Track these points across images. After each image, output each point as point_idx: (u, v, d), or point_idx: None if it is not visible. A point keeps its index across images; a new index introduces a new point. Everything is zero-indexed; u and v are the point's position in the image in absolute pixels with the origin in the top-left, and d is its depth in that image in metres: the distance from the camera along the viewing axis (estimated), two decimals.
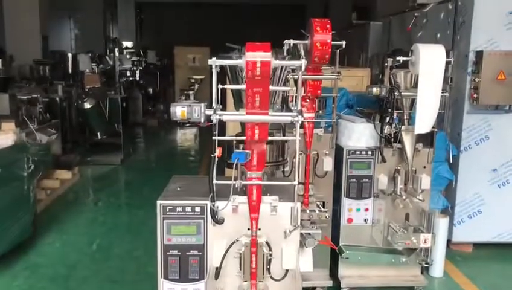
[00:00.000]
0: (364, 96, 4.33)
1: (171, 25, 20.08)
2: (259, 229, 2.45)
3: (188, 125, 9.38)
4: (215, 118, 2.21)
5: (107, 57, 10.12)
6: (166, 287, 2.57)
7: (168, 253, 2.53)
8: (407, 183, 3.89)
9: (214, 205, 2.39)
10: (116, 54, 10.94)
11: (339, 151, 4.01)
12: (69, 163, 7.22)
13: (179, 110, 2.21)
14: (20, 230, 4.58)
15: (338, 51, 3.65)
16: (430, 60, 3.43)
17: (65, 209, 6.17)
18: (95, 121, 8.13)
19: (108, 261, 4.66)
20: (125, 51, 11.63)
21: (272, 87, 2.18)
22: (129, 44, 15.75)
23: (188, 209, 2.50)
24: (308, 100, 3.74)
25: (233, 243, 2.43)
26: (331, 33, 3.33)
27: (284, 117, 2.25)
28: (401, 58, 3.60)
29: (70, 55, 10.51)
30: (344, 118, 4.20)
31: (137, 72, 11.35)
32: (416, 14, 5.84)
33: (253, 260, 2.44)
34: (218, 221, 2.43)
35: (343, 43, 3.51)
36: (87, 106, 7.95)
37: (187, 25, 19.40)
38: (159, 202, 2.50)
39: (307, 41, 3.44)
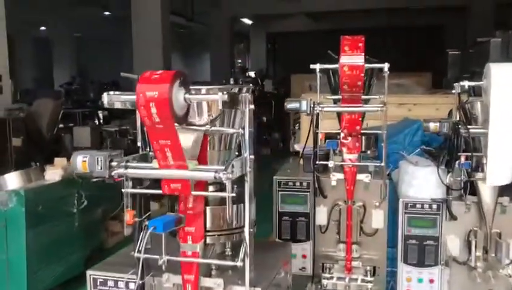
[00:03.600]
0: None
1: (294, 53, 19.96)
2: None
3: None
4: (119, 173, 1.66)
5: None
6: None
7: None
8: (487, 250, 2.85)
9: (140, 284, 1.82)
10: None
11: (395, 202, 3.14)
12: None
13: (79, 162, 1.71)
14: (68, 267, 4.47)
15: (386, 75, 2.85)
16: (506, 84, 2.45)
17: None
18: None
19: None
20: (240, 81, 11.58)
21: None
22: (252, 73, 15.85)
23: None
24: (349, 137, 2.98)
25: None
26: (362, 54, 2.58)
27: (204, 173, 1.61)
28: (466, 84, 2.66)
29: None
30: (406, 160, 3.30)
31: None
32: None
33: None
34: None
35: (386, 65, 2.71)
36: None
37: (310, 52, 19.06)
38: None
39: (336, 65, 2.72)
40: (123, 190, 1.73)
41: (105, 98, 1.59)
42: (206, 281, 1.79)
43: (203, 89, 1.63)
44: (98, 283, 2.00)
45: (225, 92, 1.49)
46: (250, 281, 1.75)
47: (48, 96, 8.12)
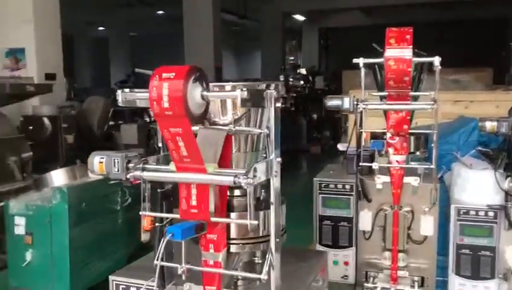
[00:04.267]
0: None
1: (347, 49, 19.49)
2: None
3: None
4: (134, 176, 1.56)
5: None
6: None
7: None
8: None
9: None
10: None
11: (447, 207, 2.89)
12: None
13: (96, 163, 1.63)
14: (112, 264, 4.48)
15: (437, 70, 2.60)
16: None
17: None
18: None
19: None
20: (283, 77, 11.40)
21: None
22: (303, 70, 15.62)
23: None
24: (396, 137, 2.76)
25: None
26: (410, 46, 2.37)
27: (223, 178, 1.47)
28: None
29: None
30: (460, 162, 3.03)
31: (289, 99, 11.00)
32: None
33: None
34: None
35: (437, 59, 2.48)
36: None
37: (363, 47, 18.53)
38: None
39: (381, 59, 2.52)
40: (142, 194, 1.63)
41: (119, 95, 1.50)
42: None
43: (224, 86, 1.50)
44: (120, 289, 1.92)
45: (244, 89, 1.35)
46: None
47: (99, 94, 8.27)
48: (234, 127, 1.59)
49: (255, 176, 1.44)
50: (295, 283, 1.83)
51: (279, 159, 1.58)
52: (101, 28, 22.81)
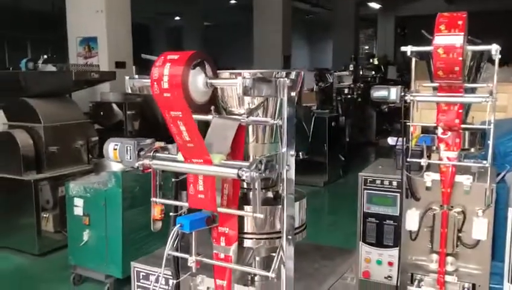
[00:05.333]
0: None
1: (426, 38, 18.55)
2: None
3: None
4: (144, 164, 1.54)
5: (327, 75, 9.78)
6: None
7: None
8: None
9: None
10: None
11: (501, 209, 2.64)
12: None
13: (111, 150, 1.62)
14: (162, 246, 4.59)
15: (497, 59, 2.37)
16: None
17: None
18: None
19: None
20: (349, 68, 11.02)
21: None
22: (375, 60, 15.09)
23: None
24: (449, 132, 2.56)
25: None
26: (462, 33, 2.17)
27: (227, 170, 1.40)
28: None
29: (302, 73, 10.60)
30: None
31: (356, 89, 10.61)
32: None
33: None
34: None
35: (494, 47, 2.25)
36: None
37: None
38: None
39: (430, 48, 2.33)
40: (153, 183, 1.62)
41: (127, 82, 1.48)
42: (240, 289, 1.61)
43: (232, 74, 1.43)
44: (141, 277, 1.93)
45: (247, 77, 1.28)
46: None
47: None
48: (247, 117, 1.52)
49: (259, 169, 1.36)
50: (314, 283, 1.73)
51: (292, 153, 1.49)
52: (177, 18, 23.43)
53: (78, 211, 4.33)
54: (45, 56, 6.05)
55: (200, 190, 1.49)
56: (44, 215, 5.14)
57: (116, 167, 4.41)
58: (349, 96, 10.30)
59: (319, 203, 7.76)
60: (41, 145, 5.24)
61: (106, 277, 4.32)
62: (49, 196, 5.17)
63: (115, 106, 7.06)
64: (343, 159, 9.21)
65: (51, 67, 5.79)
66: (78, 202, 4.32)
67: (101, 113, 7.05)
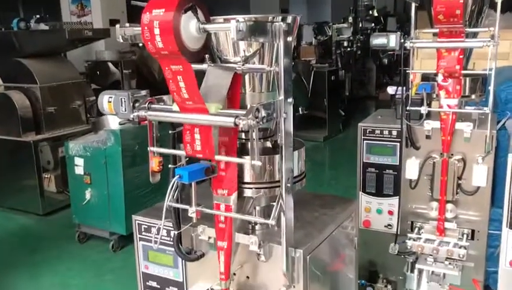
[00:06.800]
0: None
1: None
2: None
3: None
4: (139, 116, 1.52)
5: (326, 28, 9.60)
6: None
7: None
8: None
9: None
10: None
11: (502, 156, 2.64)
12: None
13: (105, 102, 1.59)
14: None
15: (499, 2, 2.31)
16: None
17: None
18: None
19: None
20: (348, 20, 10.79)
21: None
22: (375, 12, 14.78)
23: None
24: (449, 79, 2.52)
25: None
26: None
27: (223, 118, 1.38)
28: None
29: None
30: None
31: (356, 42, 10.43)
32: None
33: None
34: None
35: None
36: None
37: None
38: None
39: None
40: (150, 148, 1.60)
41: (118, 31, 1.43)
42: (240, 238, 1.62)
43: (225, 18, 1.38)
44: (143, 229, 1.94)
45: (241, 21, 1.23)
46: (288, 241, 1.54)
47: None
48: (243, 65, 1.48)
49: (256, 117, 1.34)
50: (314, 230, 1.74)
51: (290, 100, 1.46)
52: None
53: (79, 170, 4.35)
54: (37, 16, 5.93)
55: (197, 138, 1.47)
56: (46, 176, 5.17)
57: (114, 125, 4.40)
58: (348, 49, 10.15)
59: (319, 158, 7.79)
60: (39, 106, 5.21)
61: (110, 234, 4.39)
62: (50, 157, 5.19)
63: (111, 65, 6.98)
64: (342, 113, 9.19)
65: (43, 27, 5.69)
66: (79, 162, 4.34)
67: (98, 72, 6.98)
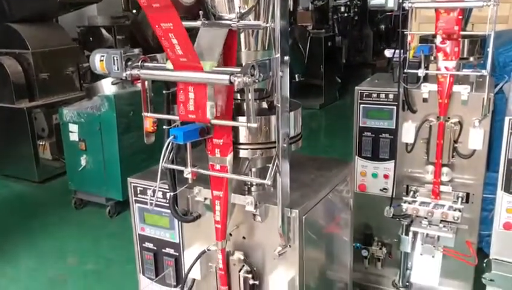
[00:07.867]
0: None
1: None
2: None
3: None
4: (132, 74, 1.49)
5: None
6: None
7: None
8: None
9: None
10: None
11: (498, 120, 2.62)
12: None
13: (97, 61, 1.56)
14: None
15: None
16: None
17: None
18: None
19: None
20: None
21: None
22: None
23: None
24: (448, 41, 2.48)
25: None
26: None
27: (218, 76, 1.35)
28: None
29: None
30: None
31: (353, 7, 10.26)
32: None
33: None
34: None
35: None
36: None
37: None
38: None
39: None
40: (143, 94, 1.57)
41: None
42: (236, 198, 1.62)
43: None
44: (138, 191, 1.93)
45: None
46: (284, 202, 1.54)
47: None
48: (238, 21, 1.44)
49: (252, 75, 1.31)
50: (310, 191, 1.74)
51: (287, 58, 1.43)
52: None
53: (74, 136, 4.33)
54: None
55: (191, 110, 1.45)
56: (41, 143, 5.15)
57: (108, 90, 4.36)
58: (345, 14, 9.99)
59: (316, 126, 7.78)
60: (31, 72, 5.14)
61: (107, 199, 4.40)
62: (44, 124, 5.14)
63: (103, 31, 6.86)
64: (339, 80, 9.12)
65: None
66: (73, 128, 4.31)
67: (90, 38, 6.87)
